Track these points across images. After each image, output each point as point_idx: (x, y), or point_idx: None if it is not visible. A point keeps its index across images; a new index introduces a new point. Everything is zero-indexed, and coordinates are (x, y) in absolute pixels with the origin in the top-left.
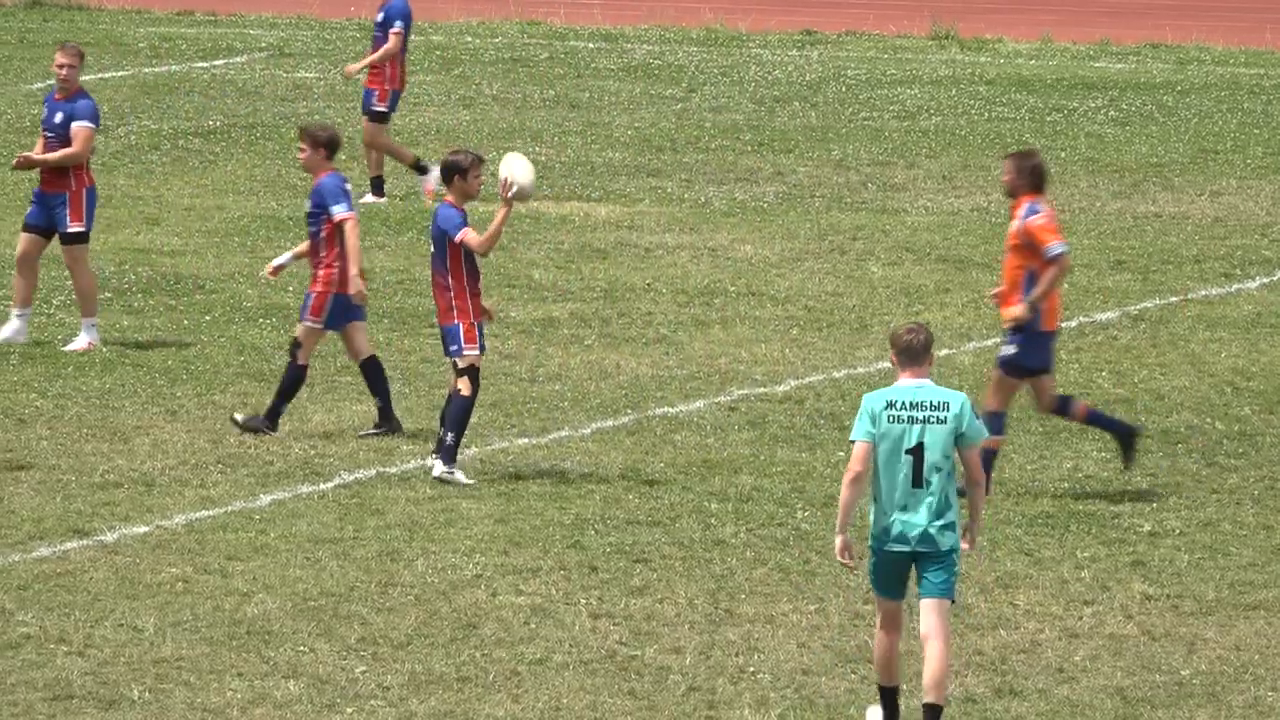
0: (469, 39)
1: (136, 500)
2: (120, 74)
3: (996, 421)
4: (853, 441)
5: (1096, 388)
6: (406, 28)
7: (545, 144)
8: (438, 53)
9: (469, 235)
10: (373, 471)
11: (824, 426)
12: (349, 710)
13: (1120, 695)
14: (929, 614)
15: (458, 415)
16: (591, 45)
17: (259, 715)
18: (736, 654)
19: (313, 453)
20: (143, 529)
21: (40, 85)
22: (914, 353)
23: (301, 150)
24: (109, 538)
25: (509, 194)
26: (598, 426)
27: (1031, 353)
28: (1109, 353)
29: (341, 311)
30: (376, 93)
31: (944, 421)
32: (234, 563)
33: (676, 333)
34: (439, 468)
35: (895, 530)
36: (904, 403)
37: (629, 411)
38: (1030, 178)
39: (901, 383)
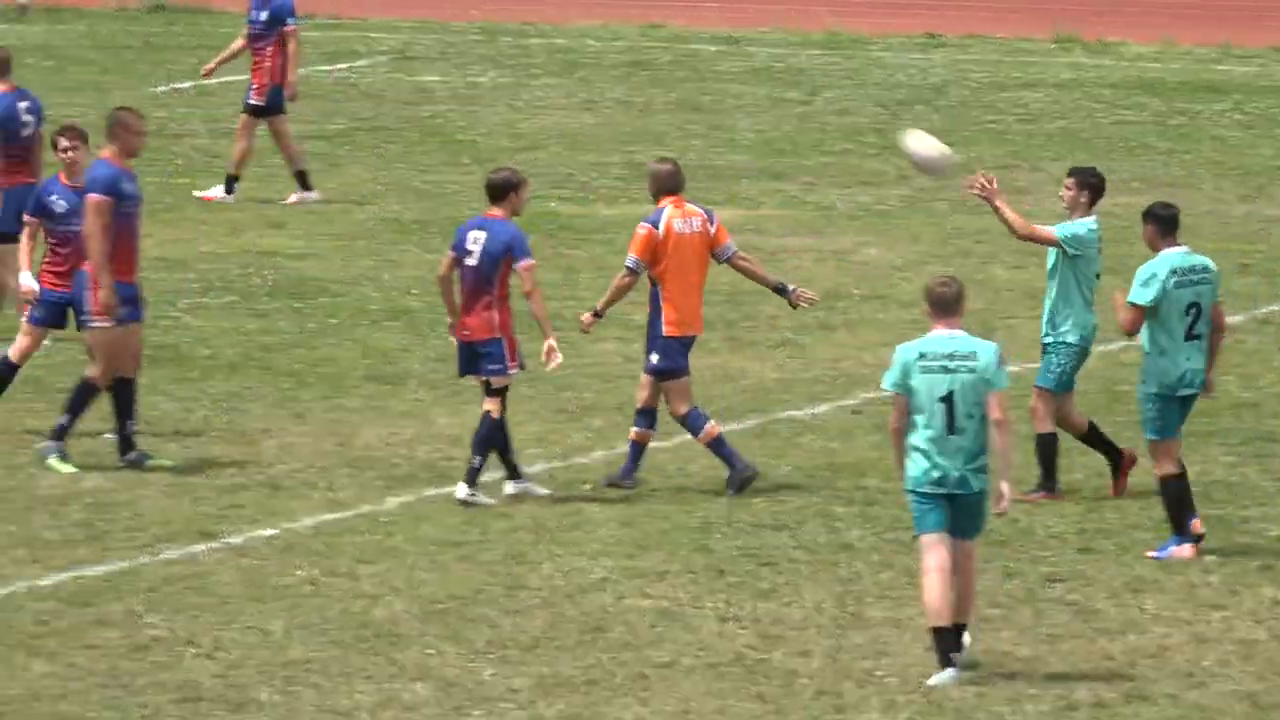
0: (590, 42)
1: (264, 503)
2: (244, 77)
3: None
4: (890, 391)
5: (1224, 391)
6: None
7: (668, 147)
8: (559, 56)
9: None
10: (499, 474)
11: None
12: (477, 713)
13: (1251, 700)
14: (959, 553)
15: (487, 438)
16: (713, 49)
17: (387, 718)
18: (864, 657)
19: (438, 456)
20: (270, 532)
21: (164, 88)
22: (946, 304)
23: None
24: (237, 540)
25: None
26: (723, 430)
27: None
28: (1236, 356)
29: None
30: (256, 87)
31: (973, 371)
32: (362, 565)
33: (801, 336)
34: (462, 490)
35: (933, 474)
36: (936, 353)
37: (754, 415)
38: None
39: (935, 333)
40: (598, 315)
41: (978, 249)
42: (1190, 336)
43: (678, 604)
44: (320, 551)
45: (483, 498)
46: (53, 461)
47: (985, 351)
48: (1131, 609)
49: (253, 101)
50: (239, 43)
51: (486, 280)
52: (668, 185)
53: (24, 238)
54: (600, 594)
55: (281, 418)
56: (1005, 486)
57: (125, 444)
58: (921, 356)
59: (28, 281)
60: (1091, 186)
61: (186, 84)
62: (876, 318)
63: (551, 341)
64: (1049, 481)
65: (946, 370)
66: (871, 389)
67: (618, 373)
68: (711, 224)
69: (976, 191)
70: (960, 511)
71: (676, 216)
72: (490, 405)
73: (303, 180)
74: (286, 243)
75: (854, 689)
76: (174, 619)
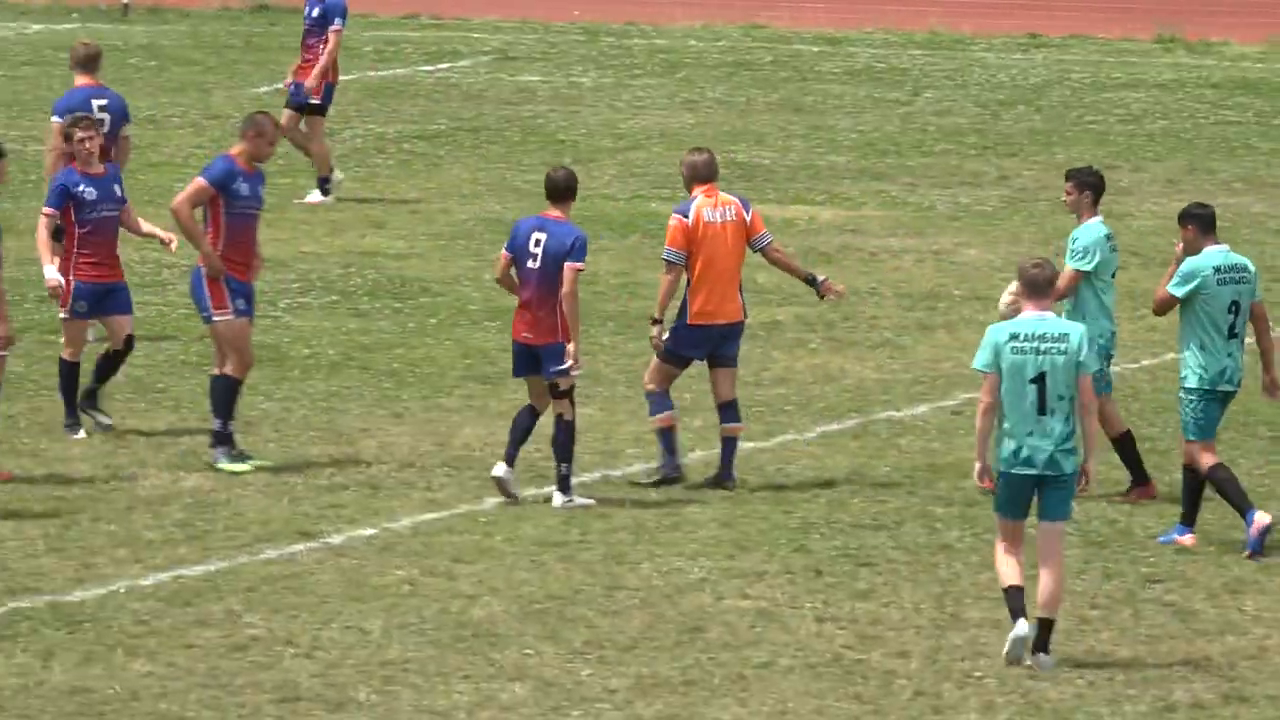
0: (692, 42)
1: (363, 503)
2: (346, 78)
3: None
4: (981, 372)
5: None
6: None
7: (769, 147)
8: (661, 56)
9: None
10: (598, 475)
11: None
12: (575, 713)
13: None
14: (1047, 538)
15: (567, 443)
16: (815, 49)
17: (485, 718)
18: (962, 658)
19: (538, 455)
20: (369, 531)
21: (267, 89)
22: (1038, 285)
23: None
24: (336, 540)
25: None
26: (823, 430)
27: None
28: None
29: None
30: (314, 86)
31: (1064, 352)
32: (460, 565)
33: (901, 336)
34: (558, 499)
35: (1023, 455)
36: (1027, 334)
37: (854, 415)
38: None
39: (1025, 315)
40: (658, 322)
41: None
42: (1231, 334)
43: (776, 604)
44: (419, 551)
45: (580, 499)
46: (224, 464)
47: (1075, 333)
48: (1230, 610)
49: (313, 101)
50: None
51: (551, 282)
52: (702, 174)
53: (43, 231)
54: (699, 594)
55: (381, 417)
56: (1091, 466)
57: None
58: (1013, 338)
59: (53, 275)
60: (1091, 186)
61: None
62: (976, 318)
63: (571, 347)
64: (1139, 475)
65: (1038, 352)
66: (972, 389)
67: None
68: (747, 212)
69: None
70: (1049, 493)
71: (707, 205)
72: (563, 407)
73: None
74: (387, 243)
75: (952, 690)
76: (273, 619)
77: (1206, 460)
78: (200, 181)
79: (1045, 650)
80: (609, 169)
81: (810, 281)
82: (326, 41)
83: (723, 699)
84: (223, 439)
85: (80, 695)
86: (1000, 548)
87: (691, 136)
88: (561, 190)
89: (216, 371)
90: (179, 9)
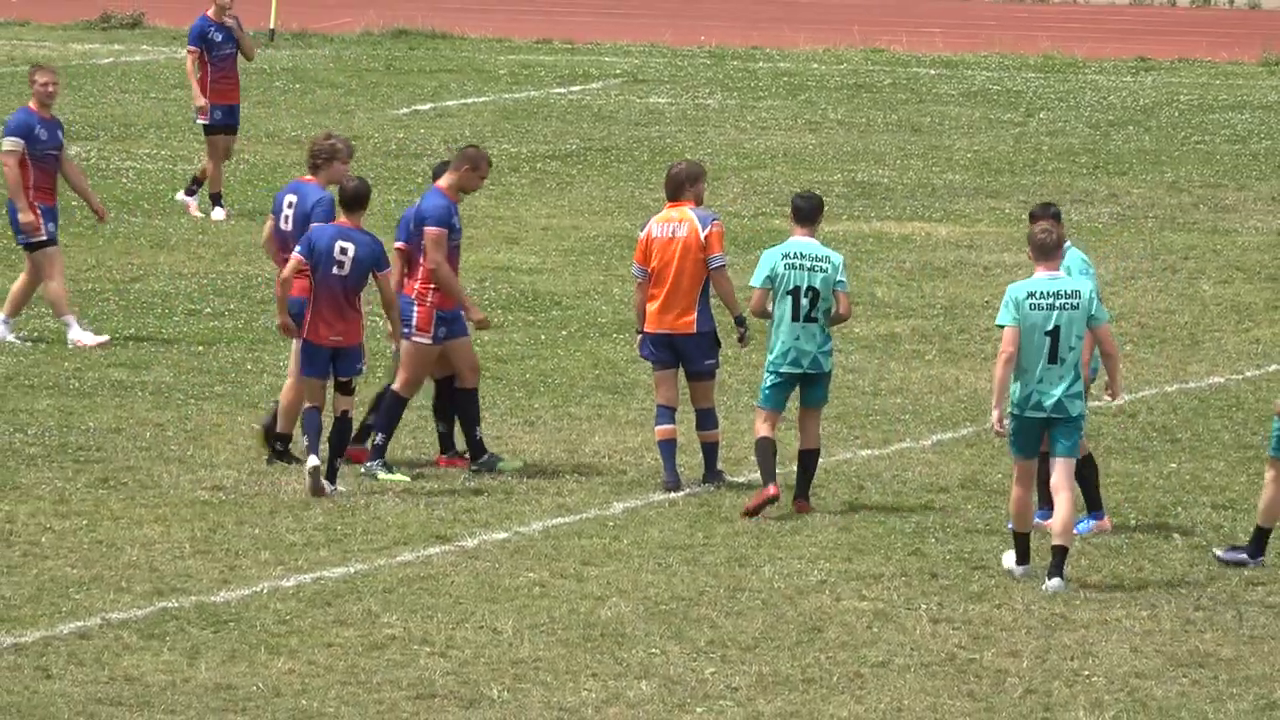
0: (815, 65)
1: (496, 508)
2: (482, 99)
3: None
4: (1000, 326)
5: None
6: (195, 44)
7: (888, 167)
8: (784, 79)
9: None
10: (720, 482)
11: (1156, 439)
12: (699, 710)
13: None
14: (1060, 471)
15: (346, 435)
16: (933, 72)
17: (613, 714)
18: (1071, 658)
19: (687, 464)
20: (502, 535)
21: (406, 111)
22: (1048, 249)
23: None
24: (469, 543)
25: None
26: (938, 439)
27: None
28: None
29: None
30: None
31: (1077, 307)
32: (589, 568)
33: None
34: (329, 487)
35: (1034, 399)
36: (1043, 292)
37: (968, 424)
38: None
39: (1039, 275)
40: (639, 333)
41: (1185, 265)
42: None
43: (892, 606)
44: (549, 554)
45: (726, 477)
46: (382, 475)
47: (1086, 289)
48: None
49: (201, 122)
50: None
51: (358, 287)
52: (668, 190)
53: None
54: (818, 596)
55: (514, 425)
56: (1118, 385)
57: (476, 448)
58: (1030, 294)
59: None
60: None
61: (426, 106)
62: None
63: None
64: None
65: (1053, 307)
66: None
67: (836, 383)
68: (703, 230)
69: None
70: (1058, 433)
71: (658, 222)
72: (346, 404)
73: (216, 199)
74: (520, 258)
75: (1061, 688)
76: (409, 619)
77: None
78: (434, 231)
79: (1060, 575)
80: (734, 187)
81: (738, 322)
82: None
83: (840, 696)
84: (381, 451)
85: (225, 692)
86: (1015, 493)
87: (813, 156)
88: (362, 199)
89: (393, 388)
90: (323, 34)
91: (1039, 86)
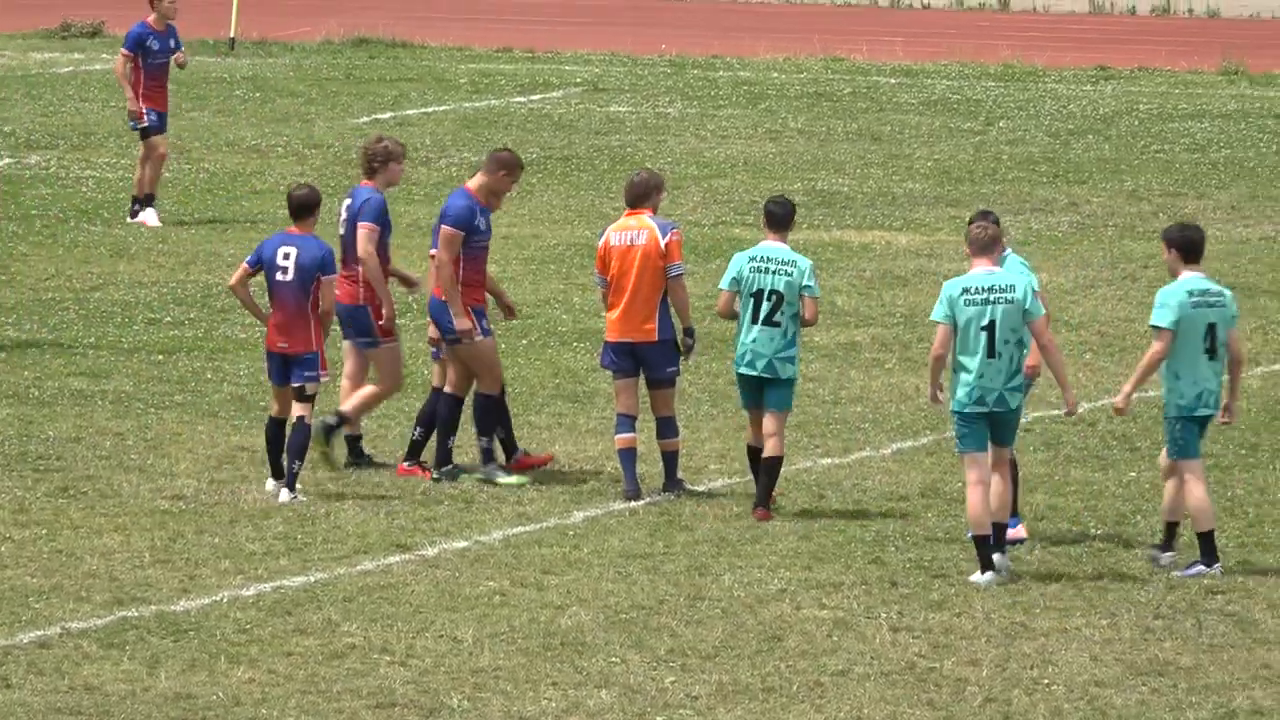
0: (775, 74)
1: (456, 516)
2: (442, 108)
3: None
4: (935, 322)
5: None
6: (131, 49)
7: (848, 175)
8: (744, 88)
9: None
10: (681, 490)
11: (1116, 448)
12: (659, 718)
13: None
14: (998, 459)
15: (304, 445)
16: (893, 80)
17: None
18: (1031, 666)
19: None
20: (462, 544)
21: (365, 119)
22: (985, 244)
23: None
24: (430, 552)
25: None
26: (898, 447)
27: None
28: None
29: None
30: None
31: (1012, 301)
32: (549, 576)
33: None
34: (284, 495)
35: (975, 395)
36: (978, 287)
37: (928, 433)
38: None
39: (975, 271)
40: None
41: (1145, 274)
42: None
43: (852, 614)
44: (509, 563)
45: (300, 496)
46: (501, 479)
47: (1021, 283)
48: None
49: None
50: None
51: (304, 294)
52: (627, 198)
53: None
54: (778, 604)
55: (474, 433)
56: (1070, 395)
57: (444, 457)
58: (965, 291)
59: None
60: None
61: (387, 114)
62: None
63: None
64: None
65: (988, 302)
66: (1042, 407)
67: (797, 392)
68: (663, 238)
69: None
70: (999, 425)
71: (616, 230)
72: (303, 411)
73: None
74: None
75: (1021, 697)
76: (369, 628)
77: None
78: (449, 231)
79: (1002, 551)
80: (694, 196)
81: (687, 333)
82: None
83: (800, 705)
84: (489, 457)
85: (184, 701)
86: (972, 495)
87: (773, 165)
88: (309, 206)
89: (479, 389)
90: (283, 43)
91: (999, 95)
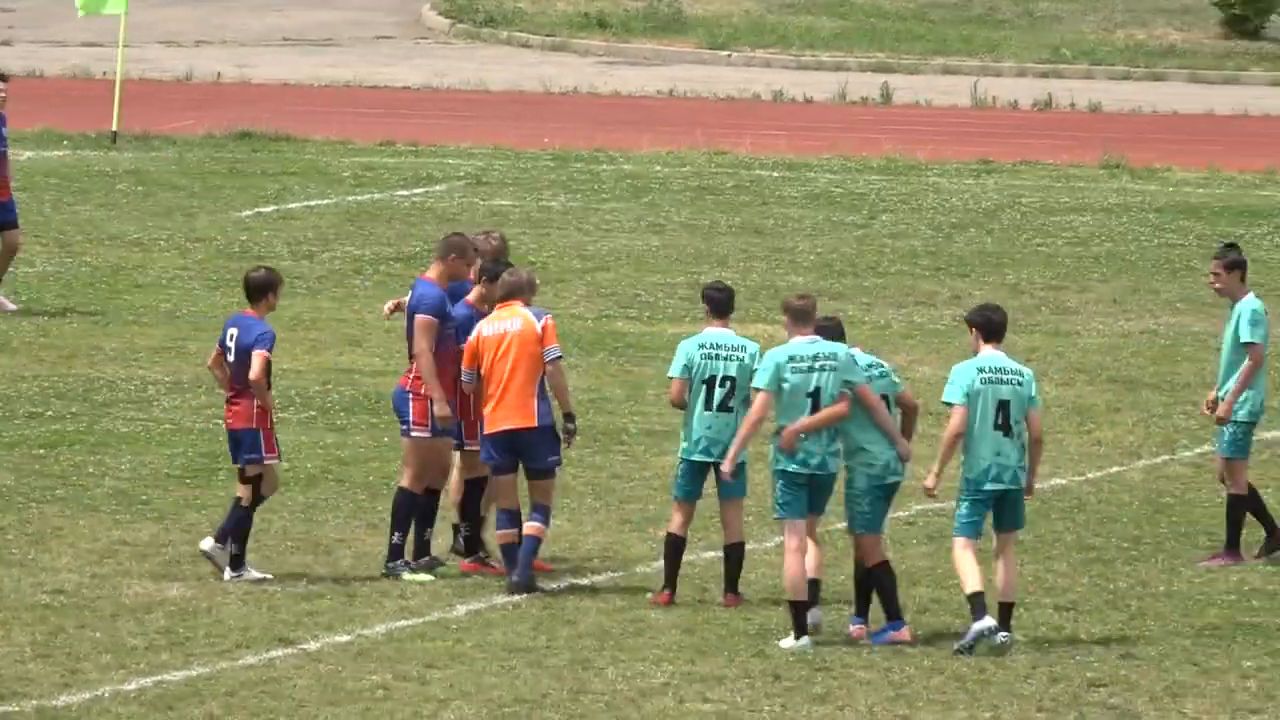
0: (658, 168)
1: (339, 610)
2: (325, 201)
3: None
4: (756, 389)
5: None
6: None
7: (731, 269)
8: (628, 181)
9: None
10: (565, 583)
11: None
12: None
13: None
14: (814, 528)
15: (240, 525)
16: (776, 174)
17: None
18: None
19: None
20: (345, 637)
21: (249, 213)
22: (805, 315)
23: None
24: (312, 646)
25: None
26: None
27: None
28: (1277, 470)
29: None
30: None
31: (835, 369)
32: (432, 670)
33: None
34: (228, 574)
35: (800, 457)
36: (802, 355)
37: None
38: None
39: (797, 341)
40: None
41: (1028, 366)
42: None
43: (736, 708)
44: (392, 657)
45: (255, 574)
46: (406, 575)
47: (842, 351)
48: (1171, 713)
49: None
50: None
51: (243, 372)
52: (501, 292)
53: None
54: (662, 698)
55: (356, 528)
56: (906, 449)
57: (422, 549)
58: (791, 359)
59: None
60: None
61: (270, 208)
62: (930, 433)
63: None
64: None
65: (813, 369)
66: (924, 500)
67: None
68: (538, 322)
69: None
70: (818, 490)
71: (488, 322)
72: (242, 493)
73: None
74: (364, 360)
75: None
76: None
77: (873, 558)
78: (425, 319)
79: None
80: (578, 289)
81: (568, 419)
82: None
83: None
84: (398, 553)
85: None
86: (790, 555)
87: (657, 258)
88: (261, 287)
89: (402, 485)
90: (166, 136)
91: (882, 189)
